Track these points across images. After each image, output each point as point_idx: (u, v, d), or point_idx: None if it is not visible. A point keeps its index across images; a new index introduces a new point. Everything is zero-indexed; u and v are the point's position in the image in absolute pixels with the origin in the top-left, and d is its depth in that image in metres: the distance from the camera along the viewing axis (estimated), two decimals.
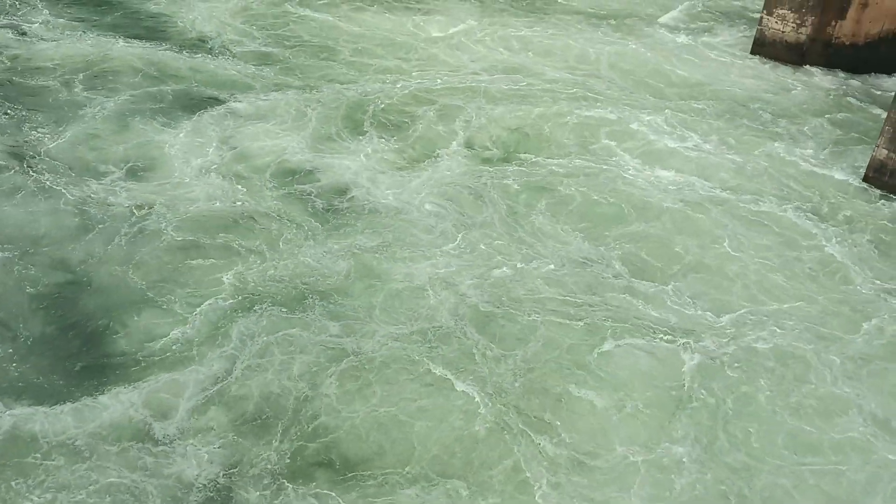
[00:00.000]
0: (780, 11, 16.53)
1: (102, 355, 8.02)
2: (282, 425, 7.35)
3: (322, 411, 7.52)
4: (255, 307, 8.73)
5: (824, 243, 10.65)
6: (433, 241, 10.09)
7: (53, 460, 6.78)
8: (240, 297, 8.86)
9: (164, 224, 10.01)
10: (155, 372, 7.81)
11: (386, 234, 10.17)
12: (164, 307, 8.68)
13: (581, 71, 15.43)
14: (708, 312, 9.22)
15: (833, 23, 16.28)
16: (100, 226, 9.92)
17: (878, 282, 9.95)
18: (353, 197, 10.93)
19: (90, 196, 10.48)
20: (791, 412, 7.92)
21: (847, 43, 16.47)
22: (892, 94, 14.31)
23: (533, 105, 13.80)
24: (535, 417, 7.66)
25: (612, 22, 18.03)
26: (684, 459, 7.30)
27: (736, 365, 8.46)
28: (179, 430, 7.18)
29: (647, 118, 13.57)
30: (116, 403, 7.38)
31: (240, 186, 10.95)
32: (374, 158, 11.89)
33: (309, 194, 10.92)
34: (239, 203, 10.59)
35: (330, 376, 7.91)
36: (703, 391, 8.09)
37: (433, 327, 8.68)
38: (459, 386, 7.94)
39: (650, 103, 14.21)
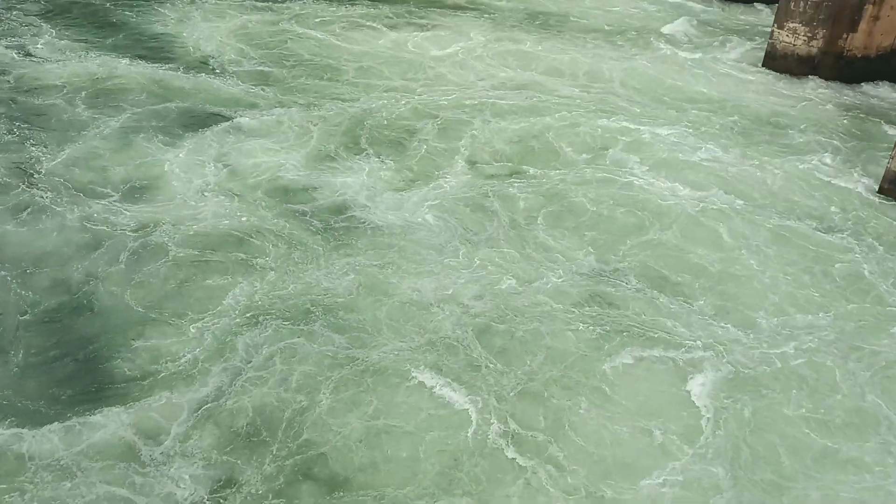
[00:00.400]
0: (791, 25, 16.33)
1: (100, 376, 7.76)
2: (278, 443, 7.05)
3: (322, 428, 7.22)
4: (259, 325, 8.46)
5: (847, 256, 10.30)
6: (439, 256, 9.81)
7: (42, 478, 6.49)
8: (244, 316, 8.59)
9: (166, 242, 9.79)
10: (152, 392, 7.54)
11: (392, 250, 9.90)
12: (166, 327, 8.42)
13: (594, 88, 15.22)
14: (730, 325, 8.85)
15: (844, 35, 16.05)
16: (102, 245, 9.72)
17: None
18: (359, 213, 10.69)
19: (93, 215, 10.29)
20: (822, 428, 7.55)
21: (859, 56, 16.22)
22: None
23: (542, 119, 13.59)
24: (545, 433, 7.31)
25: (632, 34, 17.89)
26: (717, 480, 6.92)
27: (762, 381, 8.09)
28: (173, 450, 6.89)
29: (662, 132, 13.32)
30: (110, 423, 7.10)
31: (244, 205, 10.73)
32: (380, 175, 11.67)
33: (314, 212, 10.69)
34: (244, 219, 10.35)
35: (331, 391, 7.62)
36: (726, 408, 7.73)
37: (439, 339, 8.38)
38: (465, 401, 7.61)
39: (665, 117, 13.96)
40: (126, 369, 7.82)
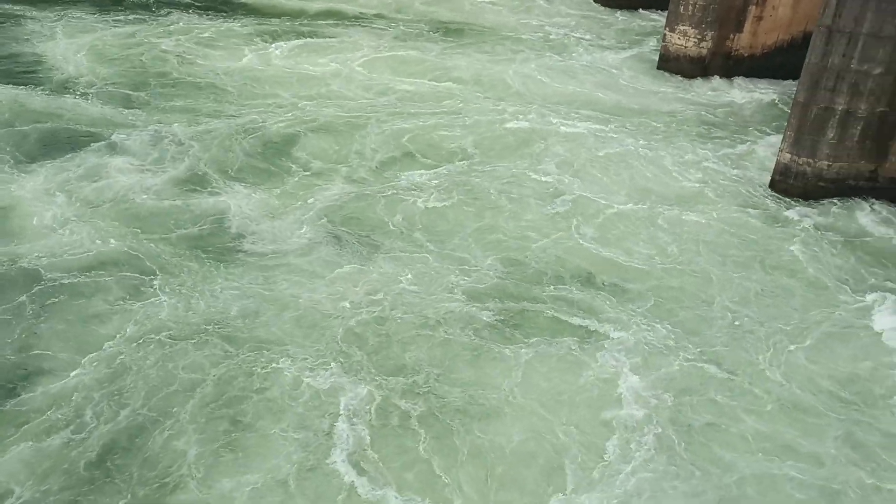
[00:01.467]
0: (682, 28, 16.55)
1: None
2: (132, 484, 6.36)
3: (179, 456, 6.56)
4: (141, 352, 7.78)
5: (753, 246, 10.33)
6: (332, 268, 9.30)
7: None
8: (125, 346, 7.87)
9: (30, 275, 8.87)
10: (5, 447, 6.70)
11: (283, 264, 9.34)
12: (29, 370, 7.57)
13: (498, 94, 15.04)
14: (654, 320, 8.70)
15: (731, 36, 16.39)
16: None
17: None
18: (246, 230, 10.07)
19: None
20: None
21: (746, 55, 16.59)
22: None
23: (442, 122, 13.27)
24: (432, 442, 6.86)
25: (533, 44, 17.75)
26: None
27: (690, 378, 7.94)
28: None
29: (567, 131, 13.29)
30: None
31: (115, 231, 9.87)
32: (266, 194, 11.02)
33: (201, 233, 9.97)
34: (114, 244, 9.52)
35: (202, 418, 6.98)
36: (652, 406, 7.44)
37: (331, 351, 7.91)
38: (347, 403, 7.21)
39: (569, 118, 13.85)
40: None
